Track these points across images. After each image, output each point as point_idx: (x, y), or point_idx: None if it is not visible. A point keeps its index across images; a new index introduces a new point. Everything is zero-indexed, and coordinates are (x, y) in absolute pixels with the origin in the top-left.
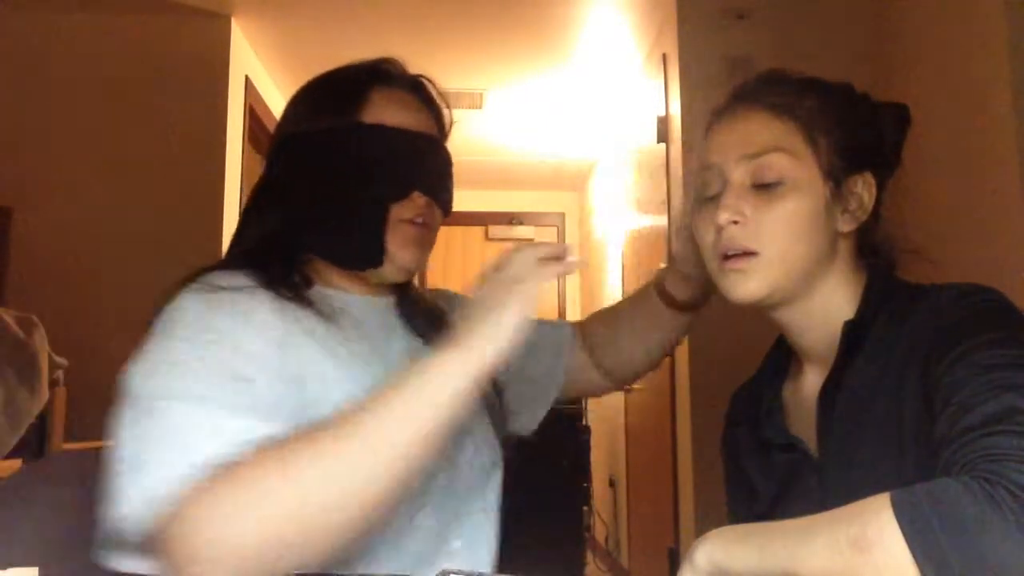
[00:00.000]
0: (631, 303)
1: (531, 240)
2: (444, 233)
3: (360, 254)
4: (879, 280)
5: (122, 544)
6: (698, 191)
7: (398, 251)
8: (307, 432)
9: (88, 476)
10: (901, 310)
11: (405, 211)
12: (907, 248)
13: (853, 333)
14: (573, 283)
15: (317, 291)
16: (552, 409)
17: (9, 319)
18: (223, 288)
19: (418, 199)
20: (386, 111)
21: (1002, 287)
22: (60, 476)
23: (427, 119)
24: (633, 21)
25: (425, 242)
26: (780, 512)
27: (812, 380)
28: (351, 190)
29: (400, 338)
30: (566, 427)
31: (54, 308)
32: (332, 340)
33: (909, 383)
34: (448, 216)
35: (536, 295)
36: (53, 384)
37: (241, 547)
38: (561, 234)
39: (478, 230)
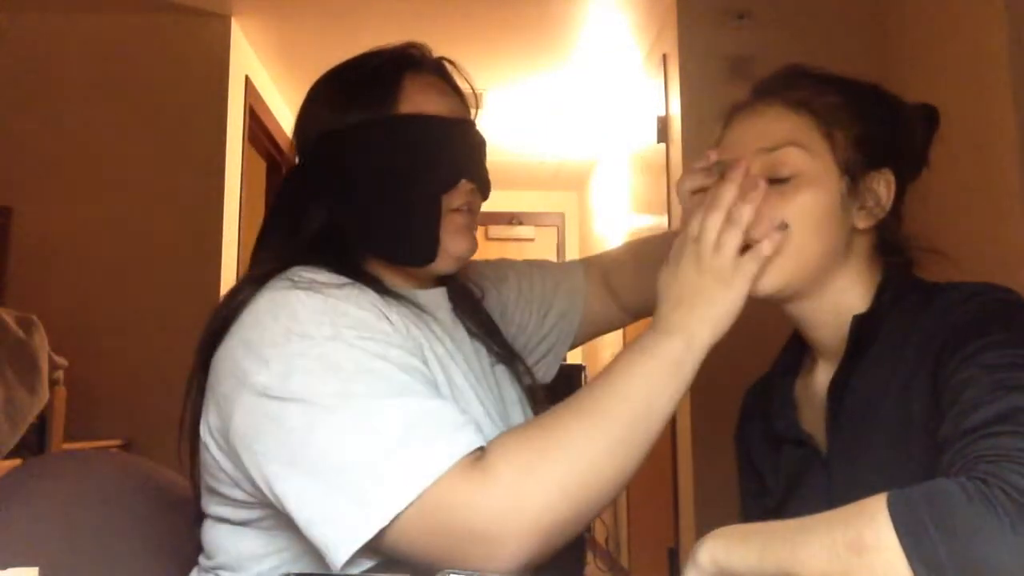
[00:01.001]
0: (661, 244)
1: (531, 240)
2: None
3: (415, 249)
4: (894, 278)
5: (382, 548)
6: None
7: (451, 242)
8: (565, 408)
9: (87, 474)
10: (914, 308)
11: (454, 200)
12: (926, 247)
13: (862, 329)
14: None
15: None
16: None
17: (9, 319)
18: (321, 283)
19: (465, 186)
20: (421, 99)
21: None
22: (59, 473)
23: (458, 102)
24: (633, 21)
25: (473, 229)
26: (789, 507)
27: (823, 376)
28: (401, 185)
29: (461, 327)
30: None
31: (54, 308)
32: (424, 336)
33: (919, 381)
34: (487, 199)
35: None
36: (53, 384)
37: (542, 509)
38: (561, 234)
39: (478, 230)
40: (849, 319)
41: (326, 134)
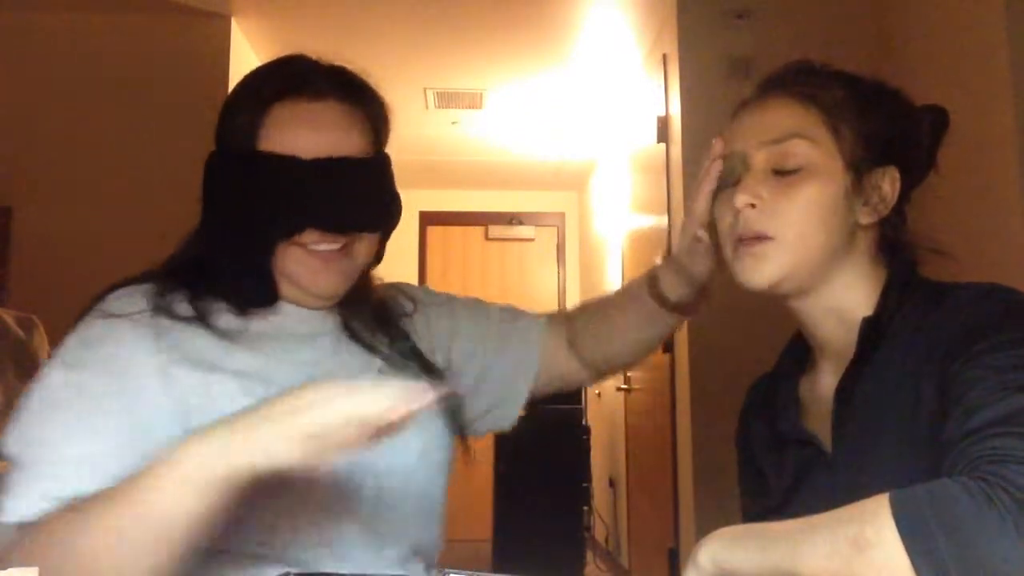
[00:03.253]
0: (621, 298)
1: (531, 240)
2: (444, 233)
3: (249, 295)
4: (900, 277)
5: None
6: (720, 178)
7: (311, 280)
8: (67, 511)
9: None
10: (921, 309)
11: (305, 241)
12: (929, 247)
13: (871, 330)
14: (573, 283)
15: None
16: (552, 409)
17: (9, 319)
18: (114, 315)
19: (312, 236)
20: (284, 133)
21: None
22: None
23: (341, 133)
24: (633, 21)
25: (342, 268)
26: (791, 508)
27: (827, 375)
28: (238, 228)
29: (342, 350)
30: (566, 427)
31: (54, 308)
32: (229, 363)
33: (927, 382)
34: (393, 225)
35: (336, 450)
36: None
37: None
38: (561, 234)
39: (478, 230)
40: (853, 318)
41: (209, 154)
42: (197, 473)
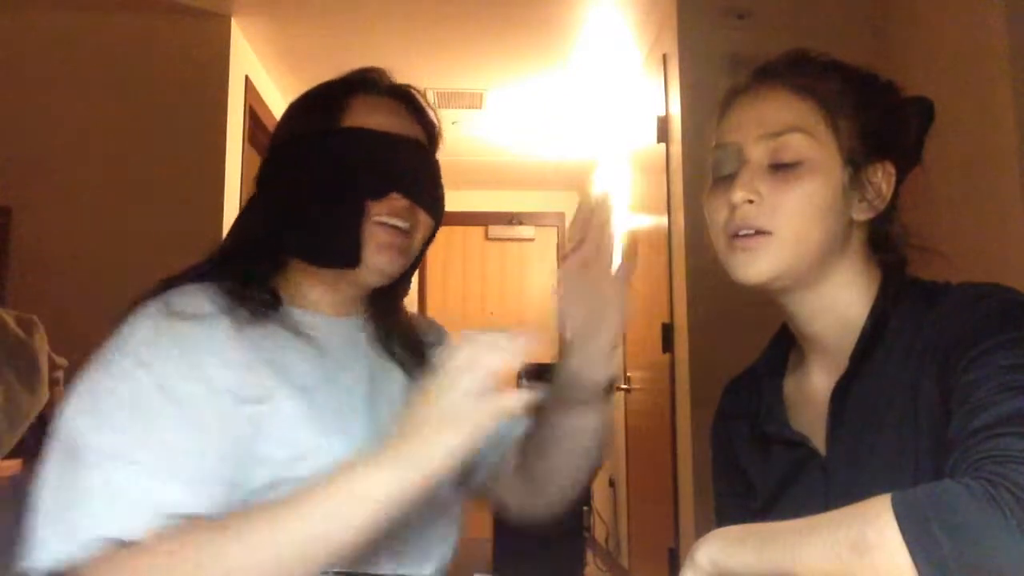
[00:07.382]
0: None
1: (531, 240)
2: (444, 233)
3: (337, 252)
4: (896, 275)
5: None
6: (713, 169)
7: (373, 254)
8: (224, 521)
9: None
10: (917, 308)
11: (382, 211)
12: (917, 244)
13: (873, 329)
14: None
15: (283, 311)
16: None
17: (9, 319)
18: (180, 315)
19: (396, 200)
20: (367, 116)
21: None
22: None
23: (412, 125)
24: (633, 21)
25: (403, 248)
26: (780, 508)
27: (818, 374)
28: (330, 189)
29: (362, 361)
30: None
31: (54, 308)
32: (291, 369)
33: (927, 382)
34: (439, 224)
35: (493, 413)
36: (53, 384)
37: None
38: (561, 234)
39: (478, 230)
40: (846, 314)
41: (277, 147)
42: (376, 490)
